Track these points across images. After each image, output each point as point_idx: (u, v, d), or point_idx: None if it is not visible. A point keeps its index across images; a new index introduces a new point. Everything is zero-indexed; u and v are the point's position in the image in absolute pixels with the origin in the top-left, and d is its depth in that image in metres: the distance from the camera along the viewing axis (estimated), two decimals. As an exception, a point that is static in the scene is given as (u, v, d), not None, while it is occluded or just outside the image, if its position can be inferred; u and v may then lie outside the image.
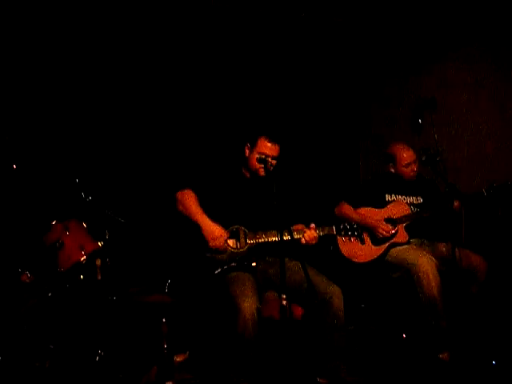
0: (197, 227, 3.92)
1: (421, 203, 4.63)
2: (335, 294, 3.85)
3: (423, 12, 5.25)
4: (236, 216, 3.99)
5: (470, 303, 4.33)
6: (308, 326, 4.07)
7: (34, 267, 4.21)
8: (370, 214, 4.56)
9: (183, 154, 5.12)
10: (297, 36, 5.39)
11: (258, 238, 3.94)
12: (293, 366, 3.75)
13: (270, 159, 3.98)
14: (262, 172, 3.99)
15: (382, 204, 4.60)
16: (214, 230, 3.88)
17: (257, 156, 3.98)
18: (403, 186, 4.64)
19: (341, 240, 4.19)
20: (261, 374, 3.81)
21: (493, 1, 4.98)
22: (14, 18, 4.80)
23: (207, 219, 3.91)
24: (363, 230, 4.24)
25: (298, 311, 4.21)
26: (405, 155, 4.58)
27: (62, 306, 4.21)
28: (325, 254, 4.28)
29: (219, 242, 3.88)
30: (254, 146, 4.04)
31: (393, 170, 4.66)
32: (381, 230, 4.45)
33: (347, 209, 4.57)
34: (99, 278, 4.31)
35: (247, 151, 4.09)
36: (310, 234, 3.92)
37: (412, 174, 4.60)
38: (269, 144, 4.00)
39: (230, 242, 3.97)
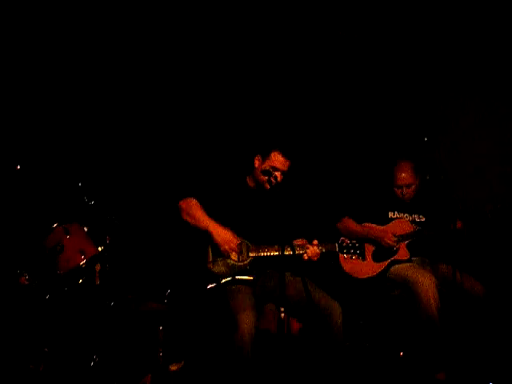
0: (201, 236, 3.90)
1: (423, 221, 4.62)
2: (334, 309, 3.84)
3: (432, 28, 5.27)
4: (238, 226, 3.98)
5: (467, 324, 4.30)
6: (305, 341, 4.06)
7: (33, 269, 4.20)
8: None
9: (187, 162, 5.10)
10: (302, 46, 5.38)
11: (261, 252, 3.93)
12: (288, 380, 3.74)
13: (279, 174, 3.98)
14: (267, 185, 3.97)
15: (385, 221, 4.60)
16: (225, 234, 3.88)
17: (264, 168, 3.98)
18: (406, 204, 4.64)
19: (342, 256, 4.18)
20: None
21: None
22: (15, 19, 4.79)
23: (217, 224, 3.90)
24: (365, 247, 4.21)
25: (296, 325, 4.19)
26: (398, 176, 4.57)
27: (59, 310, 4.20)
28: (325, 268, 4.26)
29: (232, 245, 3.88)
30: (265, 158, 4.03)
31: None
32: (387, 240, 4.45)
33: (351, 223, 4.57)
34: (98, 282, 4.30)
35: (257, 162, 4.07)
36: (312, 251, 3.91)
37: (400, 196, 4.60)
38: (282, 159, 3.99)
39: (232, 255, 3.96)
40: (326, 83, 5.43)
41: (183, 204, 4.00)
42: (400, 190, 4.59)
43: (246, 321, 3.62)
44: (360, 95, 5.46)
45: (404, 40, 5.34)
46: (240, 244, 3.95)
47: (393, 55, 5.39)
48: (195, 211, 3.95)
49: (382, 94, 5.45)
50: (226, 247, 3.88)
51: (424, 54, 5.32)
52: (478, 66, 5.18)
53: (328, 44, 5.37)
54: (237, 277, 3.89)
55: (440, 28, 5.24)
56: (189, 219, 3.96)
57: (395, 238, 4.48)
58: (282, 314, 3.46)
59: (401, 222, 4.57)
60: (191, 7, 5.09)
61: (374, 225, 4.58)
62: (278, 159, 3.99)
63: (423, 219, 4.63)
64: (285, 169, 4.01)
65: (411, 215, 4.64)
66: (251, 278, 3.91)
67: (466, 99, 5.23)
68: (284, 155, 3.99)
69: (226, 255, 3.90)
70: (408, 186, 4.57)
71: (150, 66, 5.14)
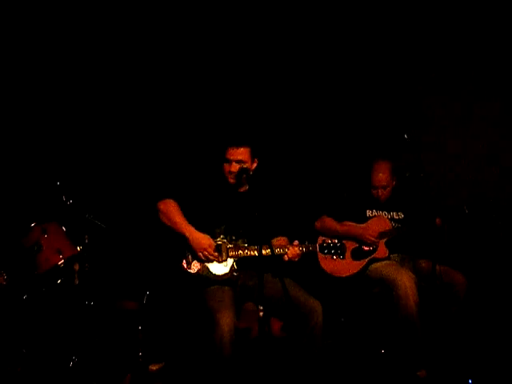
0: (180, 238, 3.87)
1: (402, 219, 4.62)
2: (315, 308, 3.83)
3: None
4: (217, 227, 3.95)
5: (448, 321, 4.32)
6: (286, 340, 4.05)
7: (11, 269, 4.17)
8: None
9: (166, 162, 5.08)
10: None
11: (240, 252, 3.91)
12: (269, 378, 3.74)
13: (234, 163, 3.92)
14: (229, 179, 3.95)
15: (363, 219, 4.59)
16: (201, 241, 3.84)
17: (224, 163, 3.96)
18: (383, 203, 4.63)
19: (321, 255, 4.18)
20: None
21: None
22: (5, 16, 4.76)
23: (194, 230, 3.86)
24: (345, 245, 4.20)
25: (277, 324, 4.18)
26: (374, 177, 4.57)
27: (38, 310, 4.17)
28: (304, 267, 4.25)
29: (209, 252, 3.83)
30: (224, 156, 3.99)
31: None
32: (368, 236, 4.44)
33: (330, 222, 4.56)
34: (76, 282, 4.28)
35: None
36: (293, 251, 3.88)
37: (376, 197, 4.60)
38: (231, 150, 3.93)
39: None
40: (303, 80, 5.42)
41: (161, 205, 3.95)
42: (376, 191, 4.59)
43: (225, 321, 3.60)
44: (339, 92, 5.44)
45: (382, 35, 5.33)
46: (220, 246, 3.92)
47: (372, 50, 5.37)
48: (173, 214, 3.90)
49: (363, 91, 5.45)
50: (205, 253, 3.84)
51: (404, 51, 5.32)
52: (457, 64, 5.19)
53: (303, 37, 5.35)
54: (215, 277, 3.87)
55: (419, 24, 5.24)
56: (166, 221, 3.91)
57: (376, 235, 4.48)
58: (261, 313, 3.45)
59: (380, 220, 4.57)
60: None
61: (353, 223, 4.58)
62: (228, 151, 3.93)
63: (402, 216, 4.63)
64: (239, 157, 3.92)
65: (389, 213, 4.63)
66: (231, 278, 3.89)
67: (445, 97, 5.23)
68: (233, 145, 3.92)
69: (204, 261, 3.87)
70: (384, 188, 4.57)
71: (124, 70, 5.11)
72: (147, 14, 5.11)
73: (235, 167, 3.93)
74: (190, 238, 3.84)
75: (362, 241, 4.49)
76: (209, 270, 3.88)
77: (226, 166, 3.95)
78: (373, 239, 4.46)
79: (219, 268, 3.89)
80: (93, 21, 5.00)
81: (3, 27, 4.76)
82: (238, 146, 3.93)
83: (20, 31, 4.83)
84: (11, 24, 4.79)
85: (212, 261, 3.87)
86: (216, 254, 3.86)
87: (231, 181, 3.95)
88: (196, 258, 3.86)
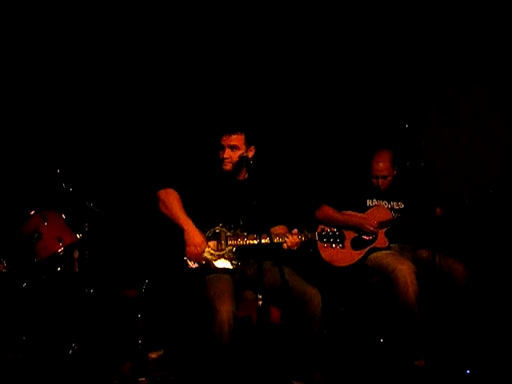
0: (178, 229, 3.86)
1: (402, 208, 4.62)
2: (313, 295, 3.82)
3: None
4: (217, 215, 3.95)
5: (447, 310, 4.32)
6: (285, 328, 4.06)
7: (11, 257, 4.17)
8: None
9: (166, 150, 5.07)
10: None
11: (239, 241, 3.91)
12: (268, 367, 3.74)
13: (228, 150, 3.93)
14: (223, 165, 3.96)
15: (363, 209, 4.59)
16: (196, 238, 3.82)
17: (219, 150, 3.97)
18: (384, 192, 4.63)
19: (321, 244, 4.17)
20: (236, 374, 3.78)
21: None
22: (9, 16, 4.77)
23: (192, 225, 3.85)
24: (344, 234, 4.20)
25: (276, 313, 4.19)
26: (374, 166, 4.58)
27: (37, 297, 4.18)
28: (304, 256, 4.26)
29: (199, 249, 3.81)
30: (219, 143, 4.00)
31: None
32: (368, 226, 4.45)
33: (330, 211, 4.56)
34: (76, 270, 4.28)
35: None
36: (292, 240, 3.88)
37: (376, 186, 4.60)
38: (224, 136, 3.95)
39: (211, 243, 3.92)
40: (303, 68, 5.40)
41: (161, 195, 3.94)
42: (376, 180, 4.59)
43: (225, 309, 3.59)
44: (340, 81, 5.43)
45: (382, 25, 5.32)
46: (219, 235, 3.92)
47: (372, 40, 5.36)
48: (173, 205, 3.88)
49: (364, 79, 5.44)
50: (193, 250, 3.81)
51: (403, 40, 5.31)
52: (457, 53, 5.18)
53: (301, 23, 5.32)
54: (215, 266, 3.87)
55: (418, 16, 5.23)
56: (166, 211, 3.90)
57: (376, 224, 4.48)
58: (260, 302, 3.45)
59: (380, 209, 4.57)
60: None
61: (353, 212, 4.58)
62: (222, 138, 3.95)
63: (402, 206, 4.63)
64: (231, 142, 3.94)
65: (390, 202, 4.64)
66: (230, 266, 3.89)
67: (447, 87, 5.23)
68: (226, 132, 3.94)
69: (186, 255, 3.84)
70: (384, 177, 4.57)
71: (123, 58, 5.10)
72: (140, 5, 5.10)
73: (228, 153, 3.94)
74: (187, 231, 3.83)
75: (361, 230, 4.50)
76: (211, 265, 3.88)
77: (221, 152, 3.96)
78: (372, 229, 4.47)
79: (223, 264, 3.89)
80: (89, 14, 4.99)
81: (3, 26, 4.75)
82: (231, 132, 3.94)
83: (20, 29, 4.82)
84: (11, 23, 4.79)
85: (196, 261, 3.85)
86: (202, 256, 3.84)
87: (225, 167, 3.95)
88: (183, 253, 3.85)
